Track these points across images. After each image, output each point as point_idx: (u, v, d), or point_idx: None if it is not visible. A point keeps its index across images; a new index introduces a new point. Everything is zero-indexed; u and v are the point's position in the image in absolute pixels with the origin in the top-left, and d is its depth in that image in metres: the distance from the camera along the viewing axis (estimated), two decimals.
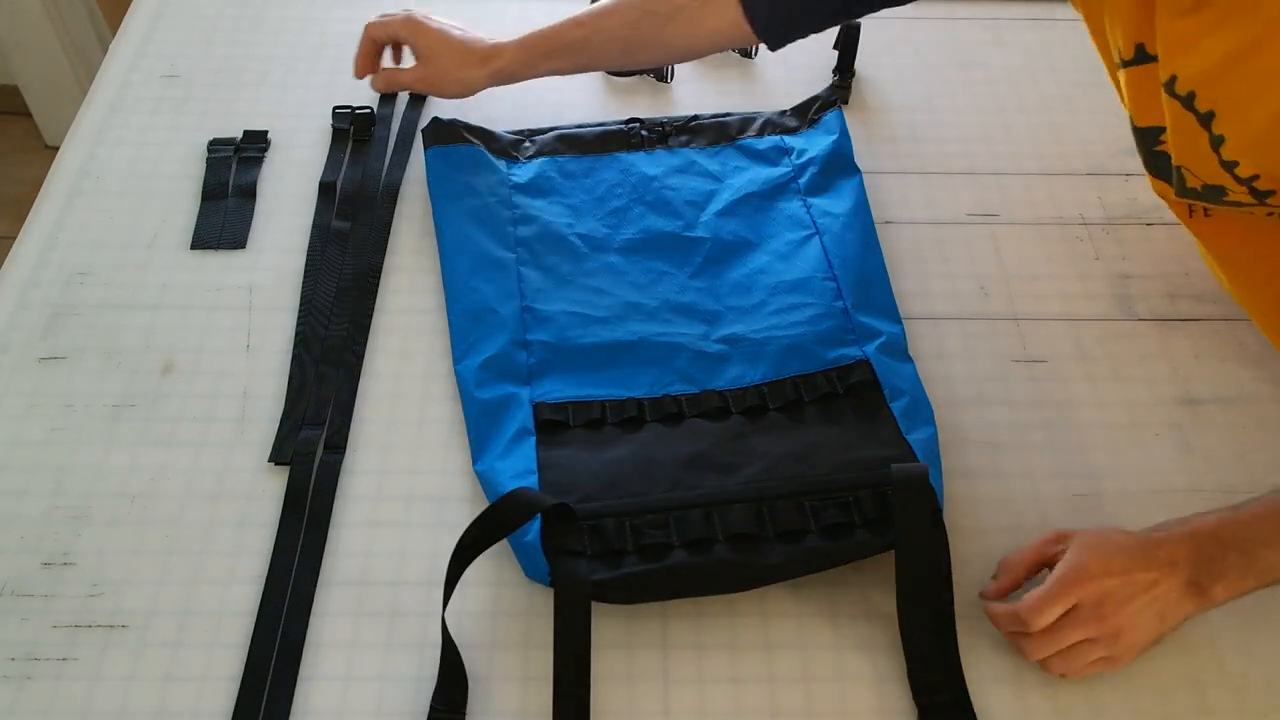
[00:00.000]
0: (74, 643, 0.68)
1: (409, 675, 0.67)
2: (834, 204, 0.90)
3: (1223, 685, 0.68)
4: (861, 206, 0.90)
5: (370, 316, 0.85)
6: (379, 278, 0.88)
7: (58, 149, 0.98)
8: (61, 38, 1.85)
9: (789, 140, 0.96)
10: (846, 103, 1.03)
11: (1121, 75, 0.76)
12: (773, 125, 0.97)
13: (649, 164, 0.94)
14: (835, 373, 0.79)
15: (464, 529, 0.66)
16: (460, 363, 0.81)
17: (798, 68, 1.06)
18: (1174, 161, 0.73)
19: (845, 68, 1.04)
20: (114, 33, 1.10)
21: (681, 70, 1.05)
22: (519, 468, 0.73)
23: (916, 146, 1.00)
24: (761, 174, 0.93)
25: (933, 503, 0.68)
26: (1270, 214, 0.73)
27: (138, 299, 0.86)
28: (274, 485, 0.76)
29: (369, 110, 0.99)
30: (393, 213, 0.93)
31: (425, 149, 0.95)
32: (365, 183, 0.95)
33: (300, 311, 0.85)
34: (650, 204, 0.91)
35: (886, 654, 0.68)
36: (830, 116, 0.97)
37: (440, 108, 0.99)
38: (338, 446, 0.78)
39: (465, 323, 0.83)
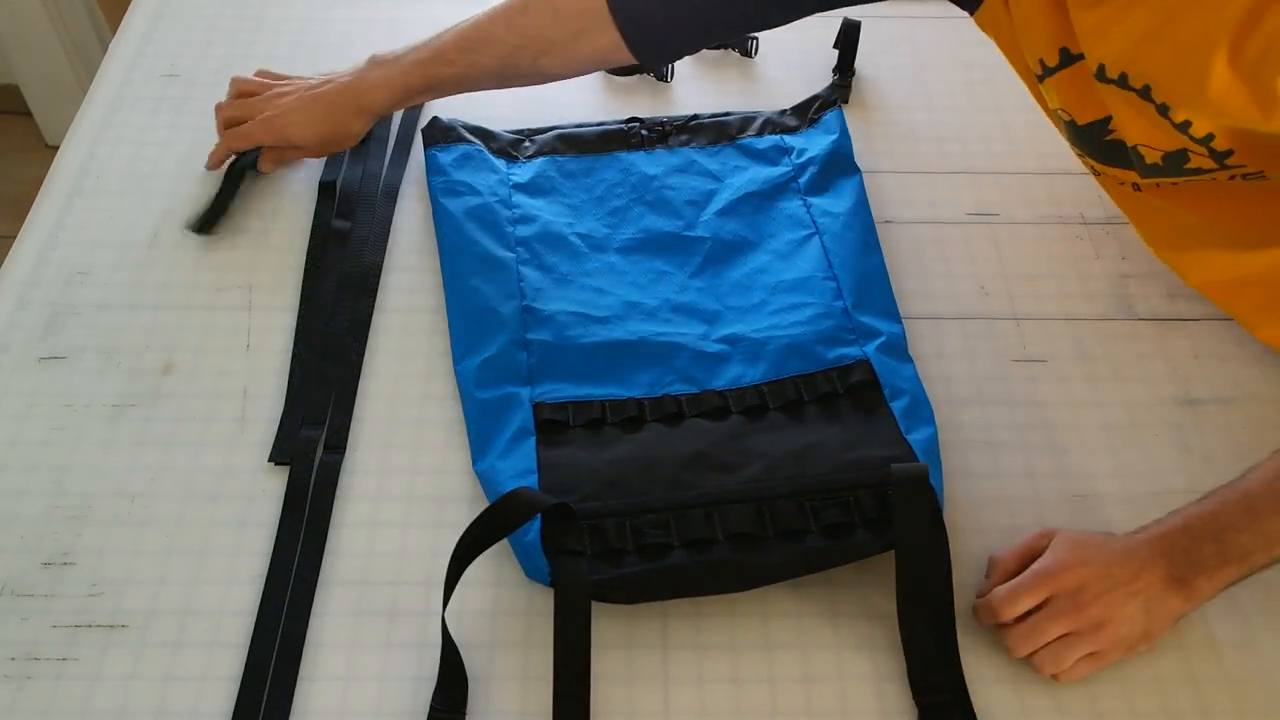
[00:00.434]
0: (74, 642, 0.68)
1: (409, 675, 0.67)
2: (834, 203, 0.90)
3: (1222, 685, 0.68)
4: (861, 206, 0.90)
5: (370, 316, 0.85)
6: (379, 277, 0.88)
7: (58, 148, 0.98)
8: (61, 38, 1.84)
9: (789, 140, 0.96)
10: (846, 102, 1.02)
11: (1050, 84, 0.77)
12: (773, 124, 0.97)
13: (649, 163, 0.94)
14: (835, 372, 0.79)
15: (464, 529, 0.66)
16: (460, 362, 0.81)
17: (798, 67, 1.06)
18: (1129, 142, 0.74)
19: (845, 67, 1.04)
20: (114, 32, 1.10)
21: (681, 69, 1.05)
22: (519, 468, 0.73)
23: (916, 146, 1.00)
24: (761, 173, 0.93)
25: (933, 503, 0.68)
26: (1232, 178, 0.73)
27: (138, 298, 0.86)
28: (274, 485, 0.76)
29: None
30: (392, 212, 0.93)
31: (425, 148, 0.95)
32: (365, 182, 0.94)
33: (300, 311, 0.85)
34: (650, 203, 0.91)
35: (886, 654, 0.68)
36: (830, 116, 0.97)
37: (440, 107, 0.99)
38: (338, 446, 0.78)
39: (465, 322, 0.83)
